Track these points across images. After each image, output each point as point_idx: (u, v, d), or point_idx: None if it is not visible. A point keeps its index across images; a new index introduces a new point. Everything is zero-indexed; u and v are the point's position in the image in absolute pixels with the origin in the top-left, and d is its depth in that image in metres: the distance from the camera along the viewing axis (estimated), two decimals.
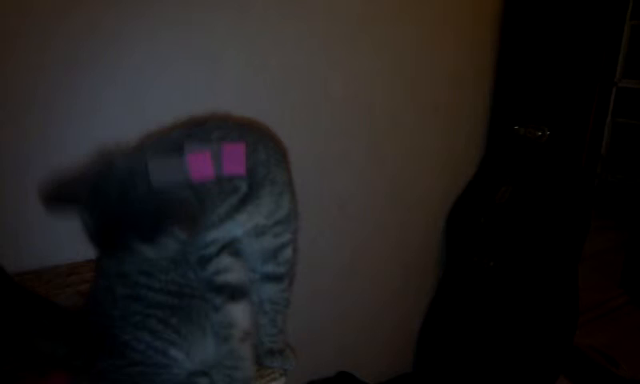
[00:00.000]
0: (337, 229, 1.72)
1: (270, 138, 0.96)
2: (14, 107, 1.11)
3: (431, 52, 1.73)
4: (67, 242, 1.09)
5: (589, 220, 2.04)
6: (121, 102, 1.22)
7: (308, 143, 1.56)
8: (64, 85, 1.15)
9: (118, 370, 0.87)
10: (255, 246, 0.92)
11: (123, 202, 0.78)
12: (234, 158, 0.83)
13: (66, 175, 0.83)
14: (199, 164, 0.81)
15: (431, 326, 2.07)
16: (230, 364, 0.89)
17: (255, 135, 0.91)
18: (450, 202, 1.99)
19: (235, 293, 0.90)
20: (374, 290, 1.89)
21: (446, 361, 2.03)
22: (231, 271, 0.90)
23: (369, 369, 1.87)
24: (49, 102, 1.14)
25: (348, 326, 1.85)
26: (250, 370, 0.91)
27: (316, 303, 1.75)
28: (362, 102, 1.64)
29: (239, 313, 0.90)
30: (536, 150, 1.86)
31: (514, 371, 1.96)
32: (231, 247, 0.90)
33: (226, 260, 0.90)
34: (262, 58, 1.41)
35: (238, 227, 0.89)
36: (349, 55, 1.56)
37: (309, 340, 1.71)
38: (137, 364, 0.87)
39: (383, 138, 1.73)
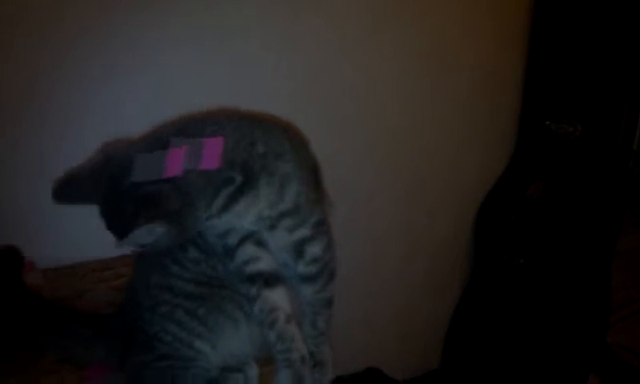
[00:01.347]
0: (363, 224, 1.72)
1: (279, 130, 0.95)
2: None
3: (460, 46, 1.71)
4: (102, 237, 1.11)
5: (621, 217, 2.00)
6: (140, 99, 1.24)
7: (331, 138, 1.55)
8: (82, 85, 1.17)
9: (148, 366, 0.88)
10: (272, 241, 0.92)
11: (114, 195, 0.81)
12: (212, 153, 0.83)
13: (75, 170, 0.88)
14: (174, 161, 0.82)
15: (460, 323, 2.06)
16: (283, 348, 0.89)
17: (257, 129, 0.91)
18: (480, 199, 1.97)
19: (269, 279, 0.90)
20: (402, 287, 1.88)
21: (474, 358, 2.01)
22: (259, 260, 0.90)
23: (396, 365, 1.87)
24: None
25: (376, 322, 1.85)
26: (303, 349, 0.91)
27: (343, 299, 1.74)
28: (388, 97, 1.63)
29: (278, 297, 0.90)
30: (568, 145, 1.83)
31: (544, 370, 1.94)
32: (253, 238, 0.91)
33: (250, 249, 0.90)
34: (284, 54, 1.41)
35: (241, 217, 0.88)
36: (374, 50, 1.55)
37: (337, 336, 1.71)
38: (165, 357, 0.88)
39: (411, 133, 1.72)
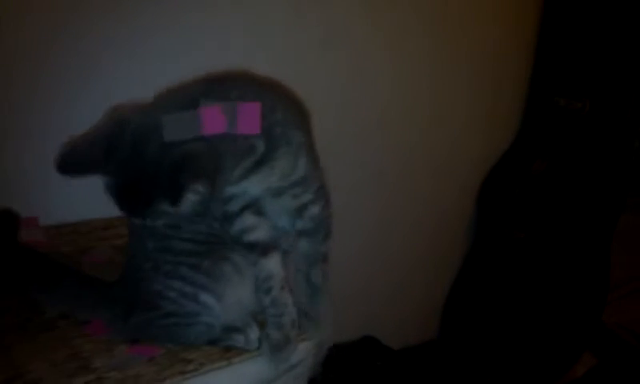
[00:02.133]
0: (372, 195, 1.73)
1: (290, 99, 0.95)
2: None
3: (471, 21, 1.69)
4: (104, 197, 1.11)
5: (624, 196, 2.00)
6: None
7: (348, 112, 1.55)
8: (88, 53, 1.15)
9: (152, 323, 0.89)
10: (275, 206, 0.93)
11: (138, 160, 0.78)
12: (249, 118, 0.82)
13: (79, 139, 0.83)
14: (212, 119, 0.80)
15: (458, 294, 2.07)
16: (275, 312, 0.92)
17: (274, 95, 0.90)
18: (485, 172, 1.96)
19: (266, 248, 0.91)
20: (403, 256, 1.89)
21: (471, 330, 2.03)
22: (257, 229, 0.91)
23: (394, 334, 1.88)
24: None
25: (375, 291, 1.86)
26: (293, 313, 0.94)
27: (344, 266, 1.75)
28: (400, 72, 1.62)
29: (273, 265, 0.92)
30: (576, 121, 1.82)
31: (539, 344, 1.96)
32: (254, 207, 0.91)
33: (249, 219, 0.90)
34: (303, 24, 1.39)
35: (253, 186, 0.89)
36: (385, 24, 1.53)
37: (335, 303, 1.72)
38: (170, 315, 0.88)
39: (417, 106, 1.71)
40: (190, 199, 0.78)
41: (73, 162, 0.82)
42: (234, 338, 0.91)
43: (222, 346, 0.91)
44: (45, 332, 0.89)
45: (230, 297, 0.90)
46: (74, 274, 0.95)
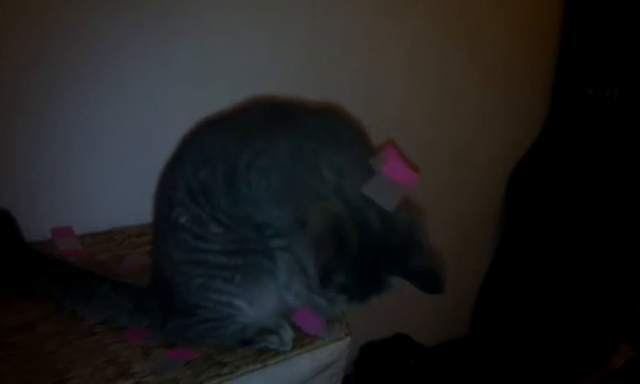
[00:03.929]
0: None
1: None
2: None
3: (497, 9, 1.67)
4: (136, 204, 1.13)
5: None
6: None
7: (366, 104, 1.54)
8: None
9: (189, 328, 0.90)
10: None
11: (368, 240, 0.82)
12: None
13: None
14: (400, 173, 0.85)
15: (490, 289, 2.05)
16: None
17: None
18: (514, 164, 1.94)
19: None
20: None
21: (503, 325, 2.01)
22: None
23: (425, 331, 1.87)
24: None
25: (406, 288, 1.85)
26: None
27: None
28: (424, 61, 1.60)
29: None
30: (605, 109, 1.78)
31: (575, 337, 1.93)
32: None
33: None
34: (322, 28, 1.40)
35: None
36: (410, 12, 1.52)
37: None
38: (207, 320, 0.90)
39: (447, 96, 1.69)
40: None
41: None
42: (268, 340, 0.92)
43: (257, 347, 0.92)
44: (84, 338, 0.92)
45: (263, 300, 0.91)
46: (109, 282, 0.97)
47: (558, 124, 1.92)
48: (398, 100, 1.60)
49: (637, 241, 1.93)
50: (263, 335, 0.92)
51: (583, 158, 1.83)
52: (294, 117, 0.92)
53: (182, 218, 0.87)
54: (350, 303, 0.86)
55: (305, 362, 0.94)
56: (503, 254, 2.02)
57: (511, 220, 2.00)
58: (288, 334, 0.93)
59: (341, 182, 0.83)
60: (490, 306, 2.05)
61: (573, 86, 1.86)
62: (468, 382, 1.93)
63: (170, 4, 1.15)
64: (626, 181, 1.84)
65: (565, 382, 1.97)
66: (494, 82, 1.78)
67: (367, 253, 0.82)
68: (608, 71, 1.78)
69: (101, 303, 0.95)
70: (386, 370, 1.77)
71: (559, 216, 1.86)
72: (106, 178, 1.19)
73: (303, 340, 0.95)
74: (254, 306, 0.90)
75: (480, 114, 1.80)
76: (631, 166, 1.84)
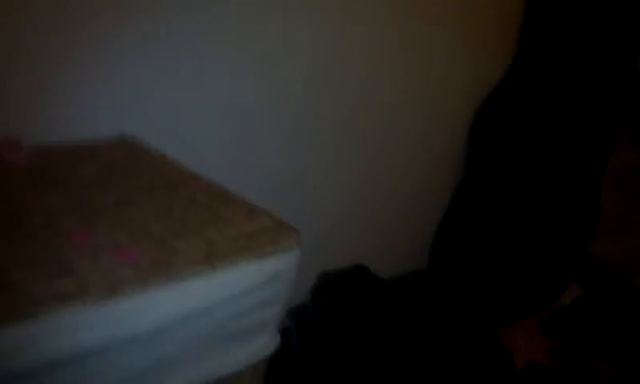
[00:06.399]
0: (360, 129, 1.74)
1: None
2: None
3: None
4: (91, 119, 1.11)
5: (617, 132, 2.00)
6: None
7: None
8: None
9: None
10: None
11: None
12: None
13: None
14: None
15: (448, 225, 2.09)
16: None
17: None
18: (478, 104, 1.96)
19: None
20: (394, 188, 1.90)
21: (460, 261, 2.06)
22: None
23: (382, 263, 1.91)
24: None
25: (365, 221, 1.88)
26: None
27: (336, 196, 1.77)
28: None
29: None
30: (570, 52, 1.80)
31: (527, 274, 1.99)
32: None
33: None
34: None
35: None
36: None
37: (326, 231, 1.75)
38: None
39: (412, 36, 1.72)
40: None
41: None
42: None
43: None
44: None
45: None
46: None
47: (522, 65, 1.93)
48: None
49: (593, 185, 1.98)
50: None
51: (546, 100, 1.86)
52: None
53: None
54: None
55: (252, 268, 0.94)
56: (463, 192, 2.05)
57: (472, 159, 2.03)
58: None
59: None
60: (447, 242, 2.09)
61: (539, 28, 1.86)
62: (422, 314, 1.98)
63: None
64: (587, 124, 1.87)
65: (517, 317, 2.04)
66: (460, 22, 1.79)
67: None
68: (574, 14, 1.79)
69: None
70: (341, 299, 1.80)
71: (519, 155, 1.89)
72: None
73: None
74: None
75: (445, 54, 1.80)
76: (592, 111, 1.86)
